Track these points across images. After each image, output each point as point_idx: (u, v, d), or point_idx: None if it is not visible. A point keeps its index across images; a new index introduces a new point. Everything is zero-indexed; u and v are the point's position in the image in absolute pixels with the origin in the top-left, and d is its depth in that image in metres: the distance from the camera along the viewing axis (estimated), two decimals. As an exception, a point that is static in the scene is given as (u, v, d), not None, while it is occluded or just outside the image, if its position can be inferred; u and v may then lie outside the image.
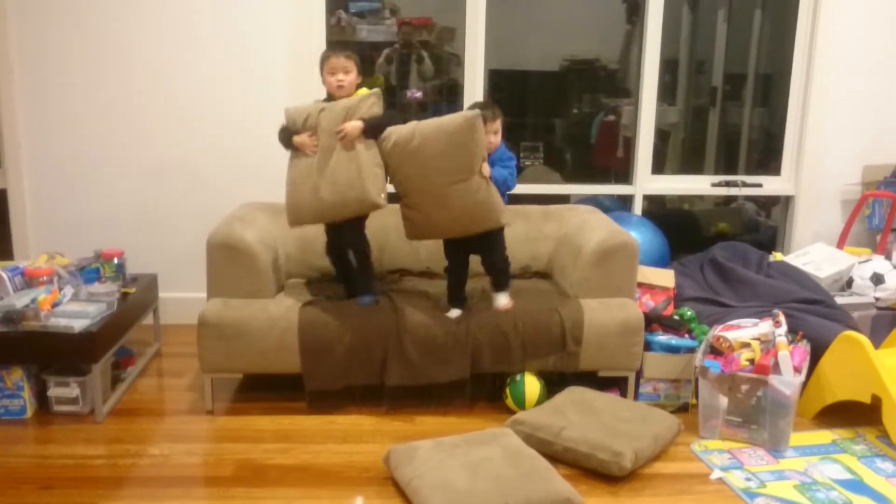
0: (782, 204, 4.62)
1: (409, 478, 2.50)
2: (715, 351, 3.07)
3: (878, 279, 3.75)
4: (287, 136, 3.10)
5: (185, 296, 3.97)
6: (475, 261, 3.27)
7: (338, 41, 4.24)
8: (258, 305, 3.11)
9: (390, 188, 3.12)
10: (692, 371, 3.13)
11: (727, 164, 5.09)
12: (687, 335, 3.28)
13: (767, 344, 3.02)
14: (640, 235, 3.75)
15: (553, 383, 3.17)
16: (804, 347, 3.06)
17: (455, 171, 2.97)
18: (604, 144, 4.96)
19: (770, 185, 4.54)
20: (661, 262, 3.96)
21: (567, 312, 3.16)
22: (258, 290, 3.16)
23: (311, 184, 3.01)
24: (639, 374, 3.21)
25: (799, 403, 2.99)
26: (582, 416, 2.88)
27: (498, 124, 3.18)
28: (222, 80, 4.00)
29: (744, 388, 2.92)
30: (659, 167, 4.55)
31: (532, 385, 3.12)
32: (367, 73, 3.27)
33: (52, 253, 3.50)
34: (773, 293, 3.55)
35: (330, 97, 3.15)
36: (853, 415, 3.08)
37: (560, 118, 5.13)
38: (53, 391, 3.07)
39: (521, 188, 3.77)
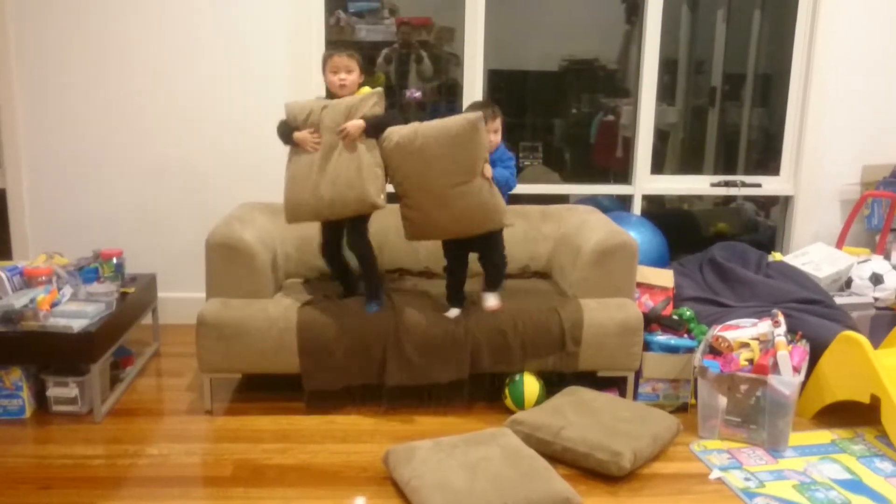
0: (781, 204, 4.62)
1: (407, 478, 2.50)
2: (714, 351, 3.07)
3: (877, 279, 3.75)
4: (287, 131, 3.09)
5: (183, 296, 3.97)
6: (474, 259, 3.27)
7: (338, 40, 4.24)
8: (257, 305, 3.11)
9: (389, 188, 3.12)
10: (691, 371, 3.13)
11: (726, 164, 5.10)
12: (686, 335, 3.28)
13: (766, 344, 3.02)
14: (639, 235, 3.74)
15: (552, 383, 3.17)
16: (803, 347, 3.06)
17: (457, 173, 2.97)
18: (603, 144, 4.96)
19: (769, 185, 4.54)
20: (660, 262, 3.96)
21: (566, 312, 3.16)
22: (257, 289, 3.16)
23: (310, 181, 3.00)
24: (638, 374, 3.21)
25: (798, 403, 2.99)
26: (581, 416, 2.88)
27: (498, 123, 3.18)
28: (222, 80, 4.00)
29: (743, 388, 2.92)
30: (658, 167, 4.55)
31: (531, 385, 3.12)
32: (367, 73, 3.27)
33: (51, 253, 3.49)
34: (773, 293, 3.55)
35: (331, 96, 3.15)
36: (852, 415, 3.08)
37: (559, 118, 5.13)
38: (52, 391, 3.07)
39: (520, 188, 3.77)
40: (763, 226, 4.99)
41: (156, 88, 3.99)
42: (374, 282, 3.19)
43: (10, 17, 3.87)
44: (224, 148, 4.06)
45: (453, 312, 3.18)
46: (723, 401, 2.96)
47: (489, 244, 3.19)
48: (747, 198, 5.02)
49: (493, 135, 3.13)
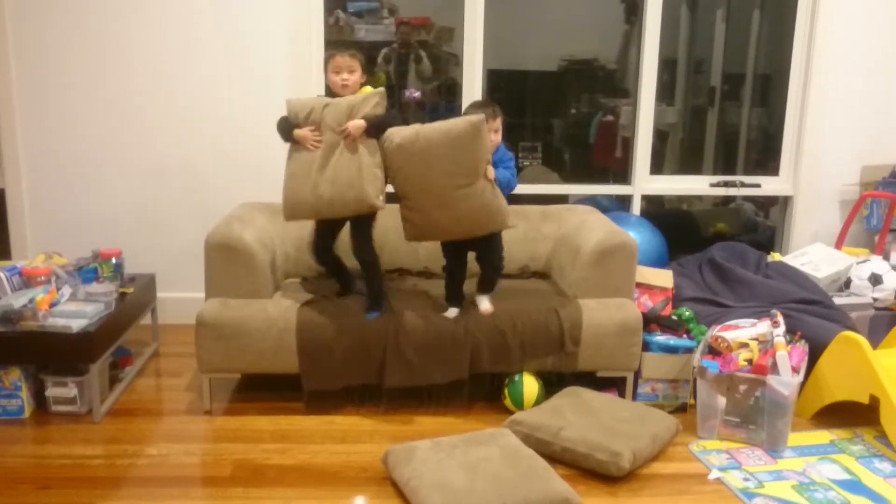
0: (781, 204, 4.62)
1: (407, 478, 2.50)
2: (713, 351, 3.07)
3: (876, 279, 3.76)
4: (287, 128, 3.08)
5: (183, 296, 3.97)
6: (472, 259, 3.27)
7: (338, 40, 4.24)
8: (256, 305, 3.11)
9: (389, 189, 3.12)
10: (690, 371, 3.13)
11: (725, 164, 5.10)
12: (685, 335, 3.28)
13: (765, 344, 3.02)
14: (638, 236, 3.75)
15: (551, 383, 3.17)
16: (802, 348, 3.07)
17: (460, 175, 2.96)
18: (602, 144, 4.96)
19: (768, 186, 4.54)
20: (659, 263, 3.96)
21: (565, 313, 3.16)
22: (256, 290, 3.16)
23: (310, 180, 2.99)
24: (637, 375, 3.22)
25: (797, 404, 2.99)
26: (580, 416, 2.88)
27: (498, 123, 3.18)
28: (222, 80, 4.00)
29: (742, 388, 2.92)
30: (657, 167, 4.56)
31: (530, 385, 3.12)
32: (369, 73, 3.26)
33: (50, 253, 3.49)
34: (772, 293, 3.55)
35: (333, 96, 3.14)
36: (851, 415, 3.08)
37: (558, 118, 5.13)
38: (51, 391, 3.07)
39: (519, 188, 3.76)
40: (762, 226, 5.00)
41: (156, 88, 3.99)
42: (376, 290, 3.18)
43: (9, 17, 3.86)
44: (224, 148, 4.06)
45: (452, 312, 3.18)
46: (722, 401, 2.96)
47: (489, 245, 3.19)
48: (746, 198, 5.02)
49: (493, 134, 3.12)
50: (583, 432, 2.75)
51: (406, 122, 3.12)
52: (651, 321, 3.32)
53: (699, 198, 5.20)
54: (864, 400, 2.95)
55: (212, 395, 3.15)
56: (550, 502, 2.38)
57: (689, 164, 5.12)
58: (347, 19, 4.40)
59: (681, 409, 3.21)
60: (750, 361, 2.95)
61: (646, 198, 4.50)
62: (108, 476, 2.66)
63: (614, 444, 2.65)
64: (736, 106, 5.12)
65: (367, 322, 3.10)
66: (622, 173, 4.63)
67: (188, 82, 3.99)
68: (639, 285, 3.43)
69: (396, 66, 4.56)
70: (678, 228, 4.65)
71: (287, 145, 3.12)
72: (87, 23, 3.90)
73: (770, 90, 4.92)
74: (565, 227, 3.65)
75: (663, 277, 3.58)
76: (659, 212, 4.84)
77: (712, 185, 4.53)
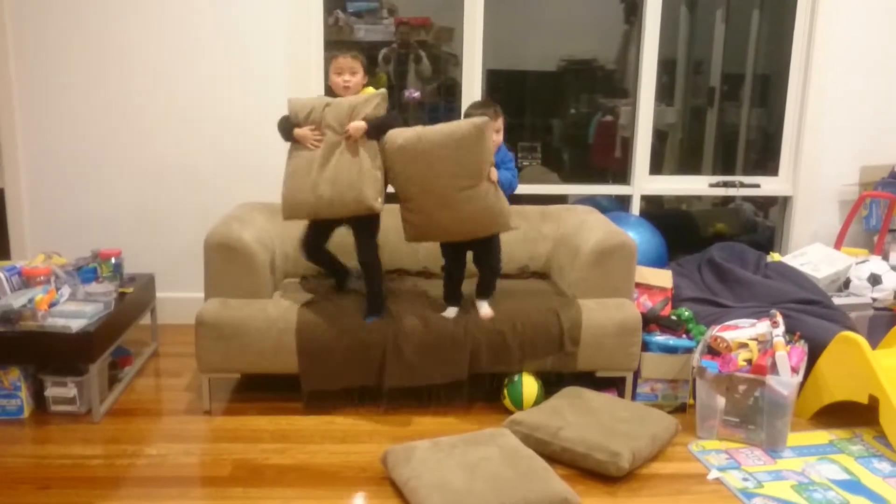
0: (780, 204, 4.62)
1: (406, 478, 2.50)
2: (712, 351, 3.08)
3: (875, 280, 3.76)
4: (287, 127, 3.08)
5: (182, 296, 3.97)
6: (470, 259, 3.27)
7: (338, 40, 4.24)
8: (256, 306, 3.11)
9: (389, 189, 3.12)
10: (690, 371, 3.13)
11: (725, 164, 5.10)
12: (684, 335, 3.28)
13: (765, 344, 3.02)
14: (637, 236, 3.75)
15: (551, 383, 3.17)
16: (801, 348, 3.07)
17: (463, 177, 2.95)
18: (602, 145, 4.96)
19: (768, 186, 4.54)
20: (658, 263, 3.97)
21: (565, 313, 3.16)
22: (256, 289, 3.16)
23: (310, 179, 2.99)
24: (636, 375, 3.22)
25: (796, 404, 3.00)
26: (579, 416, 2.88)
27: (500, 123, 3.17)
28: (222, 80, 4.00)
29: (741, 388, 2.92)
30: (657, 167, 4.56)
31: (530, 385, 3.12)
32: (370, 74, 3.26)
33: (50, 253, 3.49)
34: (771, 294, 3.55)
35: (334, 97, 3.14)
36: (850, 415, 3.08)
37: (558, 118, 5.13)
38: (50, 391, 3.07)
39: (519, 188, 3.76)
40: (761, 226, 5.00)
41: (156, 88, 3.99)
42: (376, 295, 3.17)
43: (8, 17, 3.86)
44: (224, 148, 4.06)
45: (451, 311, 3.18)
46: (721, 401, 2.96)
47: (488, 247, 3.19)
48: (746, 198, 5.02)
49: (495, 135, 3.11)
50: (582, 432, 2.75)
51: (406, 123, 3.11)
52: (650, 321, 3.32)
53: (698, 198, 5.20)
54: (864, 400, 2.95)
55: (211, 395, 3.15)
56: (550, 502, 2.38)
57: (689, 164, 5.13)
58: (347, 19, 4.40)
59: (680, 409, 3.21)
60: (749, 361, 2.95)
61: (645, 198, 4.50)
62: (108, 476, 2.65)
63: (613, 444, 2.66)
64: (735, 106, 5.12)
65: (366, 324, 3.09)
66: (621, 173, 4.63)
67: (188, 82, 3.99)
68: (638, 285, 3.44)
69: (396, 67, 4.56)
70: (677, 229, 4.65)
71: (288, 145, 3.12)
72: (87, 23, 3.90)
73: (769, 90, 4.92)
74: (565, 227, 3.65)
75: (662, 277, 3.58)
76: (658, 212, 4.85)
77: (711, 186, 4.53)
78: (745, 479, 2.69)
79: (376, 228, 3.18)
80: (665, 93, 4.86)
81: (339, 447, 2.87)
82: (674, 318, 3.37)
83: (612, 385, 3.27)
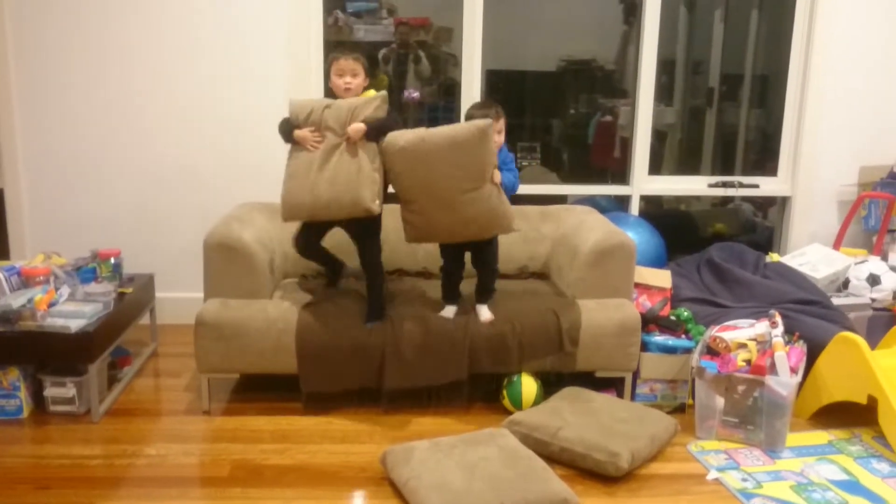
0: (779, 205, 4.62)
1: (405, 478, 2.50)
2: (711, 351, 3.08)
3: (874, 280, 3.76)
4: (288, 128, 3.08)
5: (181, 296, 3.96)
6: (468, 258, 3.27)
7: (339, 42, 4.25)
8: (256, 306, 3.11)
9: (390, 190, 3.11)
10: (689, 371, 3.14)
11: (724, 164, 5.11)
12: (683, 336, 3.28)
13: (764, 345, 3.03)
14: (636, 236, 3.75)
15: (550, 384, 3.17)
16: (800, 348, 3.07)
17: (466, 180, 2.94)
18: (601, 145, 4.97)
19: (767, 186, 4.54)
20: (657, 263, 3.97)
21: (564, 313, 3.16)
22: (255, 290, 3.16)
23: (309, 180, 2.98)
24: (635, 375, 3.22)
25: (795, 404, 3.00)
26: (578, 416, 2.89)
27: (501, 123, 3.15)
28: (222, 80, 4.00)
29: (740, 388, 2.92)
30: (656, 168, 4.56)
31: (529, 386, 3.12)
32: (370, 75, 3.25)
33: (49, 253, 3.49)
34: (770, 294, 3.55)
35: (334, 98, 3.14)
36: (849, 415, 3.09)
37: (557, 119, 5.14)
38: (50, 391, 3.07)
39: (518, 188, 3.77)
40: (760, 226, 5.00)
41: (156, 88, 3.99)
42: (377, 301, 3.16)
43: (9, 17, 3.86)
44: (224, 148, 4.06)
45: (450, 311, 3.19)
46: (720, 401, 2.96)
47: (487, 248, 3.20)
48: (745, 198, 5.03)
49: (496, 136, 3.10)
50: (581, 432, 2.75)
51: (405, 123, 3.11)
52: (649, 321, 3.32)
53: (697, 198, 5.21)
54: (863, 400, 2.96)
55: (210, 395, 3.15)
56: (549, 502, 2.39)
57: (688, 164, 5.13)
58: (346, 19, 4.41)
59: (679, 410, 3.21)
60: (748, 362, 2.95)
61: (644, 198, 4.50)
62: (107, 476, 2.65)
63: (612, 445, 2.66)
64: (734, 106, 5.13)
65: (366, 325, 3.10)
66: (621, 174, 4.63)
67: (188, 82, 3.99)
68: (637, 286, 3.44)
69: (395, 67, 4.56)
70: (677, 229, 4.66)
71: (288, 146, 3.12)
72: (87, 23, 3.90)
73: (768, 91, 4.93)
74: (564, 227, 3.65)
75: (662, 278, 3.58)
76: (657, 212, 4.85)
77: (711, 186, 4.53)
78: (744, 480, 2.69)
79: (377, 232, 3.18)
80: (664, 93, 4.87)
81: (338, 447, 2.87)
82: (673, 318, 3.37)
83: (612, 385, 3.27)
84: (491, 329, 3.12)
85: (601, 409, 2.95)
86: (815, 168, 4.39)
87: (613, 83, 4.95)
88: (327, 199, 2.96)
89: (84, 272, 3.40)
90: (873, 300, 3.75)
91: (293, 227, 3.30)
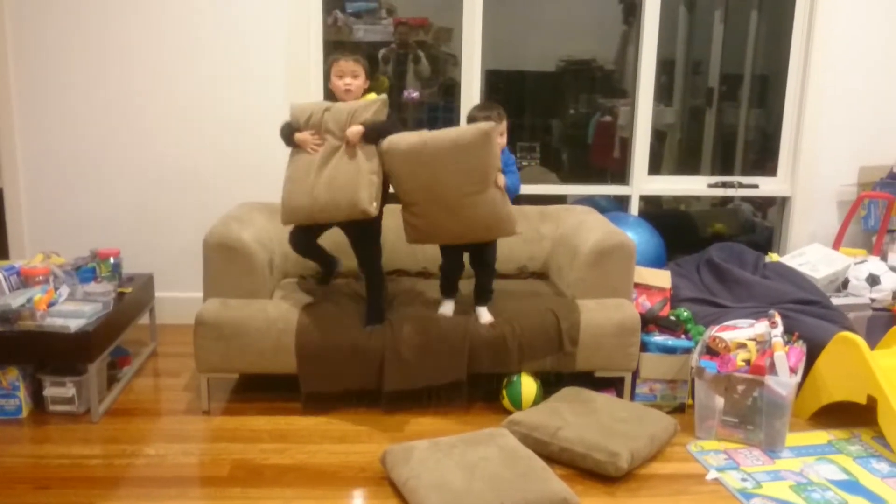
0: (778, 205, 4.62)
1: (405, 478, 2.50)
2: (711, 351, 3.08)
3: (873, 280, 3.76)
4: (289, 131, 3.09)
5: (181, 295, 3.96)
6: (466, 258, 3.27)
7: (338, 42, 4.24)
8: (256, 306, 3.11)
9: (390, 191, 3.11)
10: (688, 372, 3.14)
11: (723, 164, 5.11)
12: (683, 336, 3.29)
13: (763, 345, 3.03)
14: (636, 236, 3.75)
15: (550, 384, 3.17)
16: (800, 348, 3.07)
17: (470, 184, 2.93)
18: (600, 145, 4.97)
19: (766, 186, 4.54)
20: (657, 263, 3.97)
21: (564, 313, 3.16)
22: (255, 289, 3.16)
23: (307, 183, 2.98)
24: (635, 375, 3.22)
25: (795, 404, 3.00)
26: (578, 416, 2.89)
27: (503, 126, 3.14)
28: (222, 80, 4.00)
29: (740, 388, 2.92)
30: (655, 168, 4.56)
31: (528, 386, 3.12)
32: (371, 77, 3.25)
33: (48, 252, 3.49)
34: (770, 294, 3.55)
35: (335, 100, 3.14)
36: (849, 415, 3.09)
37: (557, 119, 5.14)
38: (49, 391, 3.07)
39: (517, 189, 3.78)
40: (760, 226, 5.01)
41: (156, 88, 3.99)
42: (376, 304, 3.16)
43: (8, 17, 3.86)
44: (223, 148, 4.06)
45: (448, 306, 3.19)
46: (720, 401, 2.96)
47: (487, 249, 3.21)
48: (744, 198, 5.03)
49: (499, 138, 3.08)
50: (581, 432, 2.75)
51: (405, 122, 3.11)
52: (649, 321, 3.32)
53: (697, 198, 5.21)
54: (862, 400, 2.96)
55: (210, 394, 3.15)
56: (548, 502, 2.39)
57: (687, 164, 5.13)
58: (346, 19, 4.40)
59: (679, 410, 3.21)
60: (748, 362, 2.95)
61: (644, 198, 4.50)
62: (107, 476, 2.65)
63: (612, 445, 2.66)
64: (734, 106, 5.13)
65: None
66: (620, 174, 4.63)
67: (188, 82, 3.99)
68: (637, 286, 3.44)
69: (395, 67, 4.56)
70: (676, 229, 4.66)
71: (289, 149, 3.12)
72: (87, 23, 3.90)
73: (768, 91, 4.93)
74: (563, 227, 3.65)
75: (661, 278, 3.58)
76: (657, 212, 4.85)
77: (710, 186, 4.53)
78: (744, 480, 2.69)
79: (376, 235, 3.18)
80: (664, 93, 4.87)
81: (338, 447, 2.87)
82: (672, 318, 3.38)
83: (611, 385, 3.27)
84: (491, 330, 3.12)
85: (601, 409, 2.95)
86: (814, 168, 4.39)
87: (613, 83, 4.95)
88: (325, 201, 2.95)
89: (83, 272, 3.40)
90: (873, 300, 3.75)
91: (292, 227, 3.30)
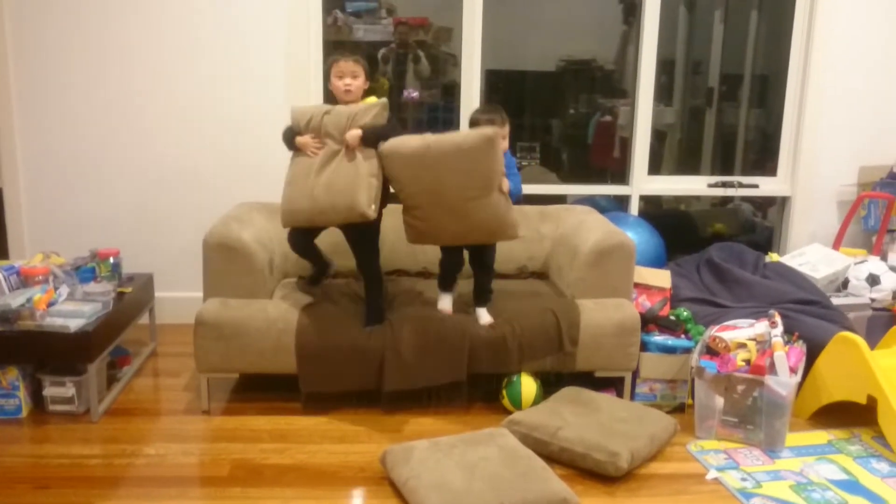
0: (778, 205, 4.62)
1: (405, 478, 2.50)
2: (711, 351, 3.08)
3: (873, 280, 3.76)
4: (291, 136, 3.09)
5: (181, 295, 3.96)
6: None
7: (338, 42, 4.24)
8: (256, 306, 3.11)
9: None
10: (688, 371, 3.14)
11: (723, 164, 5.11)
12: (683, 336, 3.29)
13: (763, 344, 3.03)
14: (636, 236, 3.75)
15: (549, 383, 3.17)
16: (800, 348, 3.07)
17: (473, 189, 2.92)
18: (600, 145, 4.97)
19: (766, 186, 4.54)
20: (657, 263, 3.97)
21: (564, 313, 3.16)
22: (255, 289, 3.16)
23: (307, 186, 2.98)
24: (635, 375, 3.22)
25: (795, 404, 3.00)
26: (578, 416, 2.89)
27: (506, 129, 3.13)
28: (222, 80, 4.00)
29: (740, 388, 2.92)
30: (655, 168, 4.56)
31: (528, 385, 3.12)
32: (371, 78, 3.24)
33: (48, 252, 3.49)
34: (770, 294, 3.55)
35: (334, 101, 3.13)
36: (849, 415, 3.09)
37: (557, 118, 5.14)
38: (49, 391, 3.07)
39: (517, 188, 3.77)
40: (760, 226, 5.00)
41: (156, 88, 3.99)
42: (375, 305, 3.16)
43: (8, 17, 3.86)
44: (223, 148, 4.06)
45: (446, 300, 3.19)
46: (720, 401, 2.96)
47: (487, 250, 3.22)
48: (744, 198, 5.03)
49: (501, 141, 3.08)
50: (581, 432, 2.75)
51: (405, 122, 3.11)
52: (649, 321, 3.32)
53: (697, 198, 5.21)
54: (862, 400, 2.96)
55: (210, 394, 3.15)
56: (548, 502, 2.39)
57: (687, 164, 5.13)
58: (346, 19, 4.40)
59: (679, 410, 3.21)
60: (748, 362, 2.95)
61: (644, 198, 4.50)
62: (106, 476, 2.65)
63: (612, 444, 2.66)
64: (734, 106, 5.13)
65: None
66: (620, 173, 4.63)
67: (188, 82, 3.99)
68: (637, 285, 3.44)
69: (394, 67, 4.56)
70: (676, 229, 4.66)
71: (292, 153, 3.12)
72: (87, 23, 3.90)
73: (768, 91, 4.93)
74: (563, 227, 3.65)
75: (661, 278, 3.58)
76: (657, 212, 4.85)
77: (710, 186, 4.53)
78: (744, 479, 2.69)
79: (374, 237, 3.18)
80: (664, 93, 4.87)
81: (337, 447, 2.87)
82: (672, 318, 3.37)
83: (611, 385, 3.27)
84: (490, 330, 3.12)
85: (601, 409, 2.95)
86: (814, 168, 4.39)
87: (613, 83, 4.95)
88: (324, 204, 2.95)
89: (83, 272, 3.40)
90: (873, 300, 3.75)
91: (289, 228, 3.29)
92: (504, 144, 3.11)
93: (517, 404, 3.10)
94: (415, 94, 4.55)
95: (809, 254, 4.00)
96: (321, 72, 4.01)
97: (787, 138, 4.45)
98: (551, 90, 5.04)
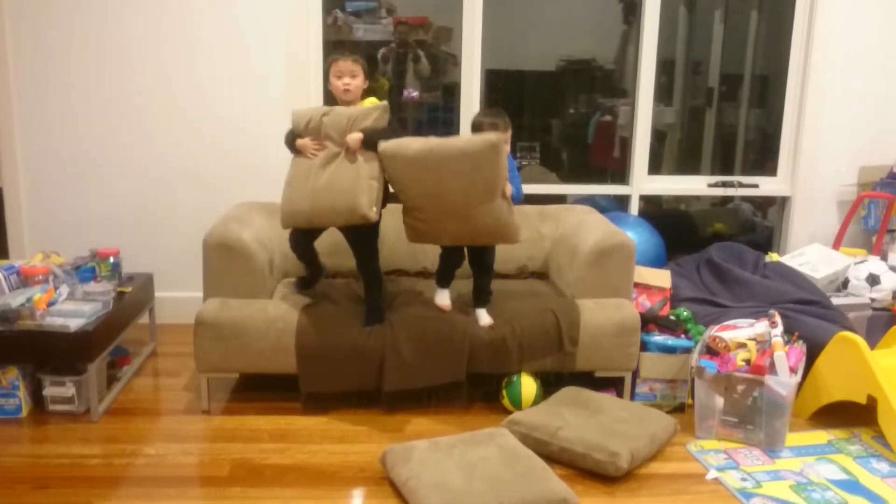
0: (778, 204, 4.62)
1: (405, 478, 2.50)
2: (711, 351, 3.08)
3: (873, 280, 3.76)
4: (292, 139, 3.09)
5: (181, 295, 3.96)
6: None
7: (337, 42, 4.24)
8: (256, 306, 3.11)
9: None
10: (688, 371, 3.14)
11: (723, 164, 5.10)
12: (683, 335, 3.28)
13: (763, 344, 3.03)
14: (636, 236, 3.75)
15: (549, 383, 3.17)
16: (800, 348, 3.07)
17: (477, 194, 2.91)
18: (600, 145, 4.97)
19: (766, 186, 4.54)
20: (657, 263, 3.97)
21: (563, 313, 3.16)
22: (254, 289, 3.16)
23: (307, 187, 2.98)
24: (635, 375, 3.22)
25: (795, 404, 3.00)
26: (578, 416, 2.88)
27: (508, 134, 3.12)
28: (222, 80, 4.00)
29: (740, 388, 2.92)
30: (655, 167, 4.56)
31: (528, 385, 3.12)
32: (371, 78, 3.24)
33: (48, 252, 3.49)
34: (770, 294, 3.55)
35: (333, 100, 3.13)
36: (849, 415, 3.09)
37: (557, 118, 5.14)
38: (49, 390, 3.07)
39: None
40: (760, 226, 5.00)
41: (156, 88, 3.99)
42: (375, 305, 3.16)
43: (8, 17, 3.86)
44: (223, 148, 4.06)
45: (444, 296, 3.18)
46: (720, 401, 2.96)
47: (487, 251, 3.22)
48: (744, 198, 5.03)
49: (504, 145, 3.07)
50: (581, 432, 2.75)
51: (404, 122, 3.11)
52: (649, 321, 3.32)
53: (697, 198, 5.21)
54: (862, 400, 2.96)
55: (210, 394, 3.15)
56: (548, 502, 2.39)
57: (687, 164, 5.13)
58: (346, 19, 4.40)
59: (679, 409, 3.21)
60: (748, 361, 2.95)
61: (644, 198, 4.50)
62: (106, 475, 2.65)
63: (612, 444, 2.66)
64: (734, 106, 5.13)
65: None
66: (620, 173, 4.63)
67: (188, 82, 3.99)
68: (637, 285, 3.44)
69: (394, 66, 4.56)
70: (676, 229, 4.66)
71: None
72: (87, 23, 3.90)
73: (768, 90, 4.92)
74: (563, 227, 3.65)
75: (661, 277, 3.58)
76: (657, 212, 4.85)
77: (710, 186, 4.53)
78: (744, 479, 2.69)
79: (374, 238, 3.18)
80: (664, 93, 4.87)
81: (337, 447, 2.87)
82: (672, 318, 3.37)
83: (611, 385, 3.27)
84: (490, 330, 3.11)
85: (601, 409, 2.95)
86: (814, 168, 4.39)
87: (613, 83, 4.95)
88: (324, 205, 2.95)
89: (83, 271, 3.40)
90: (873, 300, 3.75)
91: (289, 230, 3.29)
92: (506, 148, 3.10)
93: (517, 404, 3.10)
94: (415, 94, 4.55)
95: (809, 254, 4.00)
96: (321, 71, 4.01)
97: (787, 138, 4.45)
98: (551, 90, 5.04)
